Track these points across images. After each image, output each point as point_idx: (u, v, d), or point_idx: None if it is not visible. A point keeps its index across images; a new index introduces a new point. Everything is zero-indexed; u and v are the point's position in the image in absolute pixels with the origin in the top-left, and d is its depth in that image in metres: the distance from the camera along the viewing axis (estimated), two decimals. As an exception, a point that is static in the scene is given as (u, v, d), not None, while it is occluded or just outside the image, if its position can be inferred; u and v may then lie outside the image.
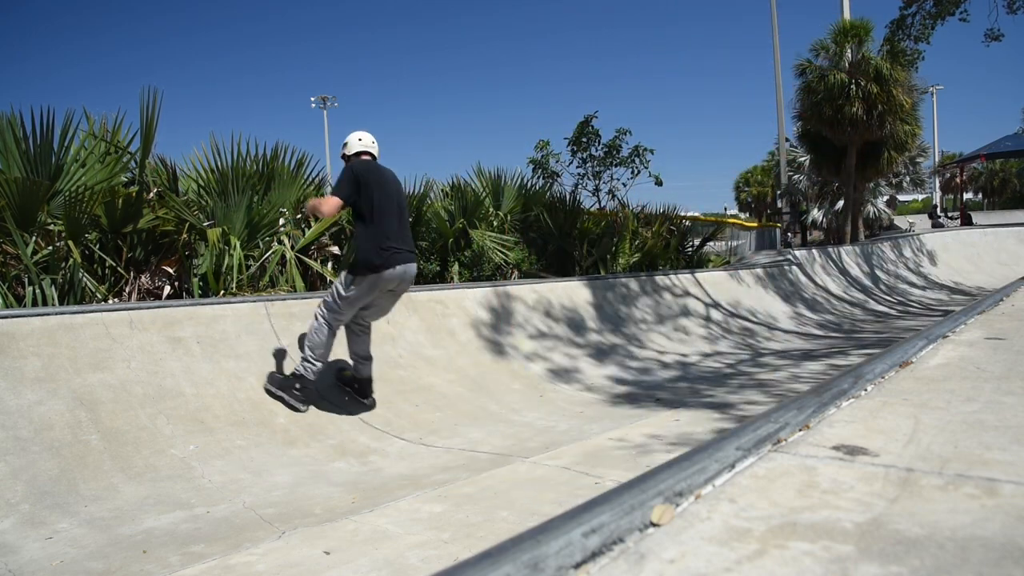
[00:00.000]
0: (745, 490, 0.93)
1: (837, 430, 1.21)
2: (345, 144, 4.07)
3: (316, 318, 3.84)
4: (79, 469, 2.91)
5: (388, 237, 3.76)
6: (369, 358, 4.09)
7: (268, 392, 3.80)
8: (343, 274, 3.85)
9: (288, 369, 3.99)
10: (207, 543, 2.47)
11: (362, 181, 3.77)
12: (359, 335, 4.06)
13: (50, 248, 4.56)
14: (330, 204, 3.77)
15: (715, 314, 8.15)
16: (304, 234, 6.00)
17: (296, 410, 3.76)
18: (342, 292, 3.76)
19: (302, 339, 3.96)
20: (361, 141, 4.04)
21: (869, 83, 14.69)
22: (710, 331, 7.57)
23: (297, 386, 3.79)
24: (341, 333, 3.99)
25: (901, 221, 25.62)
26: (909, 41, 13.36)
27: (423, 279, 7.09)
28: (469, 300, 5.76)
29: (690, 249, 10.92)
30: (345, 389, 4.14)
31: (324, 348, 3.82)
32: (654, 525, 0.82)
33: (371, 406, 4.07)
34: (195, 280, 5.13)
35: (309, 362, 3.80)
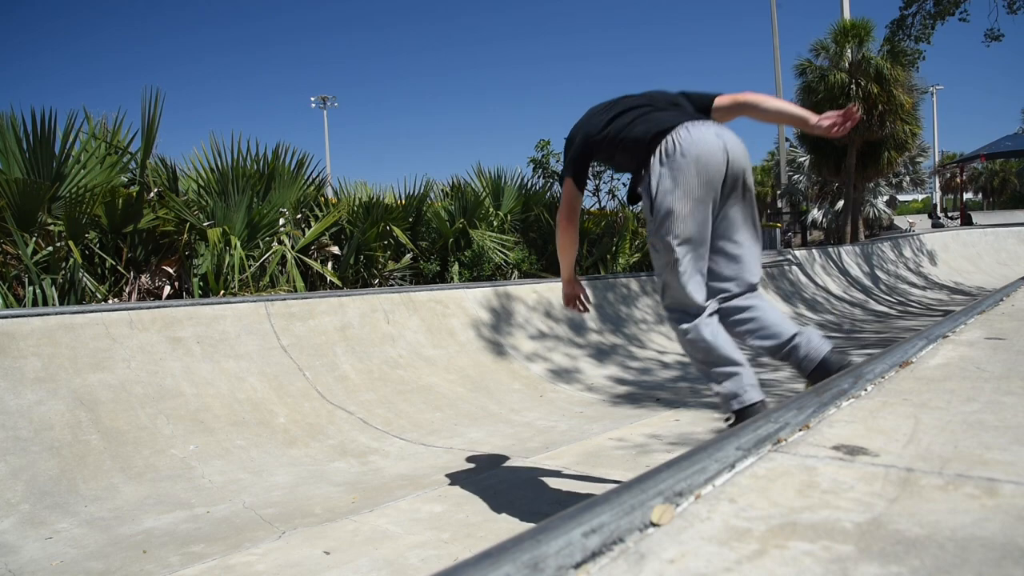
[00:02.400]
0: (745, 490, 0.93)
1: (837, 430, 1.20)
2: None
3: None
4: (79, 469, 2.91)
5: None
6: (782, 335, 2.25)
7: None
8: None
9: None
10: (207, 543, 2.47)
11: None
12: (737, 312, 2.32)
13: (50, 248, 4.56)
14: None
15: (715, 314, 8.14)
16: (304, 234, 6.00)
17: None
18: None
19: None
20: None
21: (869, 83, 14.71)
22: (710, 331, 7.56)
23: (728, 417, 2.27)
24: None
25: (901, 221, 25.64)
26: (909, 41, 13.38)
27: (423, 279, 7.09)
28: (469, 300, 5.76)
29: (690, 249, 10.91)
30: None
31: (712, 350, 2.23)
32: (654, 525, 0.82)
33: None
34: (195, 280, 5.13)
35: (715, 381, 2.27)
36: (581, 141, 2.41)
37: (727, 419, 2.26)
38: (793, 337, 2.21)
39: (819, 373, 2.16)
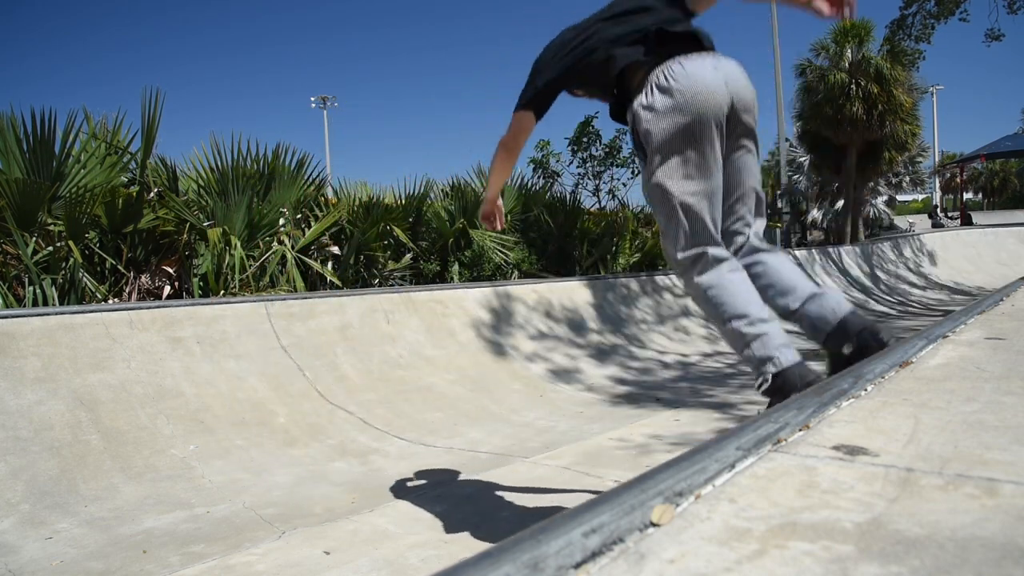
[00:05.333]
0: (745, 490, 0.93)
1: (837, 430, 1.20)
2: None
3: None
4: (79, 469, 2.91)
5: None
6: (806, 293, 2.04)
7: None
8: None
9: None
10: (207, 543, 2.47)
11: None
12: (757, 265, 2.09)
13: (50, 248, 4.56)
14: None
15: (715, 314, 8.14)
16: (304, 234, 6.00)
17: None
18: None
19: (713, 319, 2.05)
20: None
21: (869, 83, 14.71)
22: (711, 331, 7.56)
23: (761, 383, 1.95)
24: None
25: (901, 221, 25.65)
26: (910, 41, 13.39)
27: (423, 279, 7.09)
28: (469, 300, 5.76)
29: (690, 249, 10.90)
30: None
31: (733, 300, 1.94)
32: (654, 525, 0.82)
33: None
34: (195, 280, 5.13)
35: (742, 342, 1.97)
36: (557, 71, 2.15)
37: (760, 387, 1.93)
38: (811, 297, 1.99)
39: (836, 337, 1.98)
